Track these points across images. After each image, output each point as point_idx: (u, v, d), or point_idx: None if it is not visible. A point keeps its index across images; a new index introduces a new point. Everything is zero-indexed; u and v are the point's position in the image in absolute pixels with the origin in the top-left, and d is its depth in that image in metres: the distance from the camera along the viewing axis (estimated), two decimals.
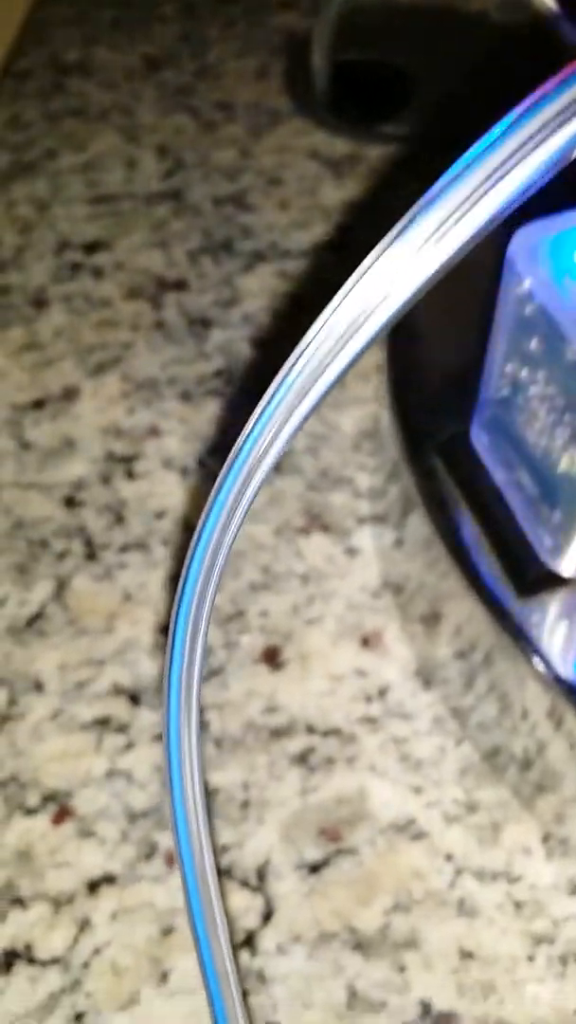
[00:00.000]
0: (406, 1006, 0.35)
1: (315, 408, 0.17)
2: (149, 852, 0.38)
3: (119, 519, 0.47)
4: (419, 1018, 0.35)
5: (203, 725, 0.41)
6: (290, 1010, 0.35)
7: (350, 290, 0.16)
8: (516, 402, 0.34)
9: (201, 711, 0.32)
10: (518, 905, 0.37)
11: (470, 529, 0.37)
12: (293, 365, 0.17)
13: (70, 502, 0.48)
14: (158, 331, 0.55)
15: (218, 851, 0.38)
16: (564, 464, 0.31)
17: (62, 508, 0.47)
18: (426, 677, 0.42)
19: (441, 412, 0.39)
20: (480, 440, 0.36)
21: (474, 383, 0.35)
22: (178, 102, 0.68)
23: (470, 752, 0.41)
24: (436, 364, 0.40)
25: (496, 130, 0.14)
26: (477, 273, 0.39)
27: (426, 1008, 0.35)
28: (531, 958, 0.36)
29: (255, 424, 0.18)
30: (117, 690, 0.42)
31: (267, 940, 0.36)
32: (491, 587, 0.36)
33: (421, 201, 0.15)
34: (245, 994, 0.35)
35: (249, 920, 0.37)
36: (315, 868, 0.38)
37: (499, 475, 0.36)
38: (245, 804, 0.39)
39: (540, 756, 0.38)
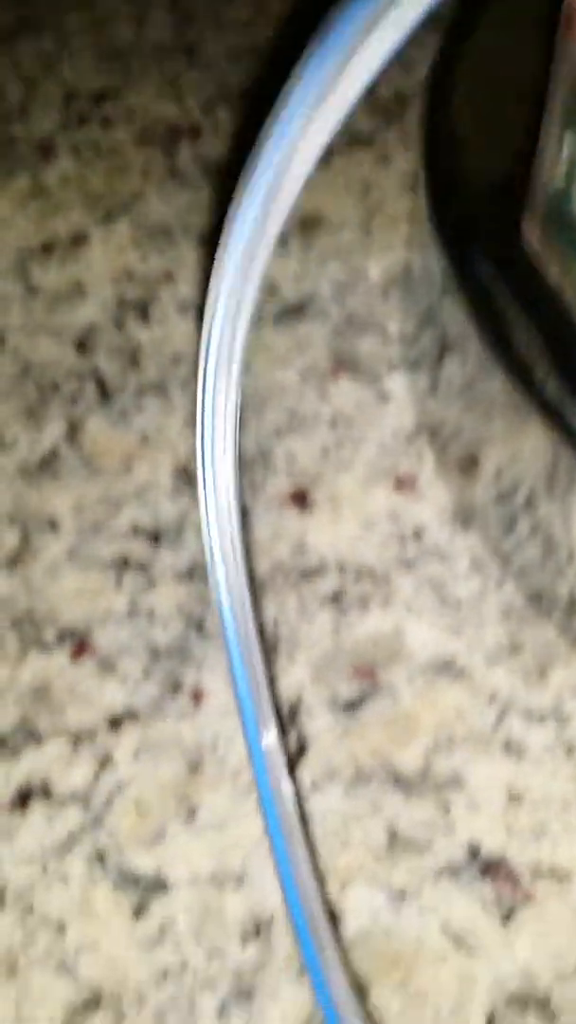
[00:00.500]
0: (452, 848, 0.33)
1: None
2: (174, 689, 0.36)
3: (134, 363, 0.44)
4: (466, 862, 0.33)
5: None
6: (327, 849, 0.33)
7: None
8: (573, 192, 0.31)
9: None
10: (569, 748, 0.35)
11: (525, 342, 0.34)
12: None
13: (81, 346, 0.44)
14: (172, 179, 0.51)
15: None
16: None
17: (73, 352, 0.44)
18: (464, 520, 0.40)
19: (485, 220, 0.36)
20: (532, 238, 0.33)
21: (520, 183, 0.32)
22: None
23: (512, 594, 0.38)
24: (476, 170, 0.37)
25: None
26: (520, 54, 0.36)
27: (474, 851, 0.33)
28: None
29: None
30: (136, 530, 0.39)
31: (302, 776, 0.34)
32: (551, 401, 0.33)
33: None
34: None
35: None
36: (350, 706, 0.36)
37: (554, 274, 0.32)
38: (274, 643, 0.37)
39: None
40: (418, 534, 0.39)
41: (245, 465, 0.41)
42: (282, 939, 0.31)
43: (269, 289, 0.45)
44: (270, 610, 0.37)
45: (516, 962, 0.31)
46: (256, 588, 0.38)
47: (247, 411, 0.42)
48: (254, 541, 0.39)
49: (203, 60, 0.56)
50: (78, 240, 0.49)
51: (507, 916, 0.32)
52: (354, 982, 0.30)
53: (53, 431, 0.42)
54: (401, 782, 0.34)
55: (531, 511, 0.37)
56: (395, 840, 0.33)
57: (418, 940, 0.31)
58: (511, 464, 0.38)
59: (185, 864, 0.32)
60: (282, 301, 0.45)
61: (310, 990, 0.30)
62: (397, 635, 0.37)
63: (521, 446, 0.37)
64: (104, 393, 0.43)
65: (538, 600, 0.38)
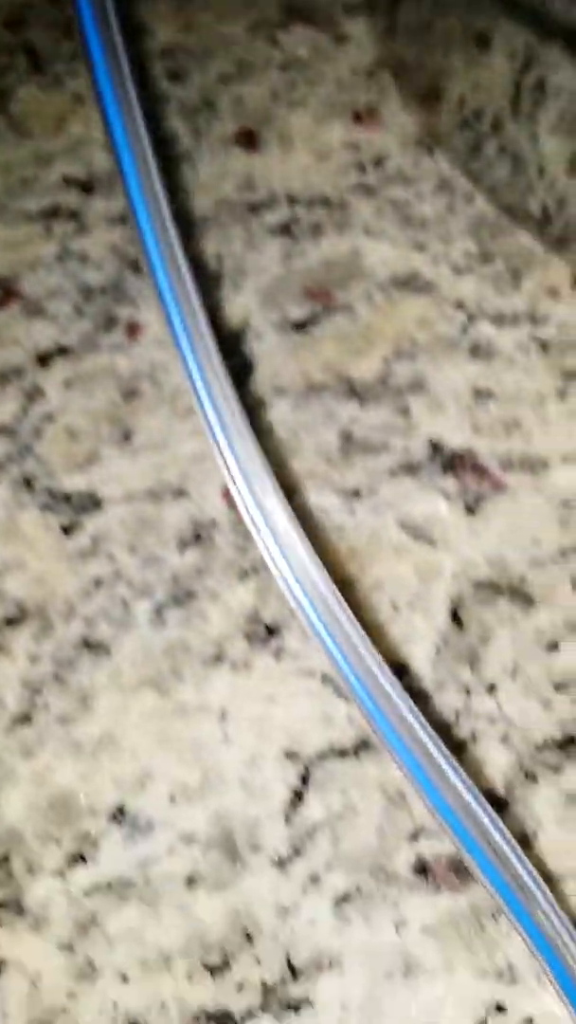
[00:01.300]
0: (411, 447, 0.29)
1: None
2: (108, 324, 0.32)
3: (68, 35, 0.40)
4: (428, 458, 0.29)
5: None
6: (275, 458, 0.30)
7: None
8: None
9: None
10: (545, 345, 0.31)
11: None
12: None
13: (12, 24, 0.41)
14: None
15: None
16: None
17: (4, 31, 0.41)
18: (429, 146, 0.35)
19: None
20: None
21: None
22: None
23: (483, 208, 0.34)
24: None
25: None
26: None
27: (436, 447, 0.29)
28: (563, 394, 0.30)
29: None
30: (68, 182, 0.36)
31: (245, 397, 0.30)
32: None
33: None
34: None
35: None
36: (301, 326, 0.32)
37: None
38: (218, 276, 0.33)
39: (561, 210, 0.31)
40: (379, 161, 0.35)
41: (187, 114, 0.37)
42: (224, 544, 0.28)
43: None
44: (212, 245, 0.34)
45: (484, 551, 0.28)
46: (198, 225, 0.35)
47: (189, 64, 0.38)
48: (197, 182, 0.35)
49: None
50: None
51: (473, 507, 0.28)
52: None
53: None
54: (356, 391, 0.30)
55: (498, 134, 0.33)
56: (349, 444, 0.29)
57: (374, 535, 0.28)
58: (475, 93, 0.34)
59: (120, 483, 0.29)
60: None
61: (253, 591, 0.27)
62: (355, 256, 0.33)
63: (483, 76, 0.32)
64: (36, 64, 0.39)
65: (510, 212, 0.34)
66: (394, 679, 0.23)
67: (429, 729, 0.22)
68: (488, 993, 0.23)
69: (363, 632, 0.23)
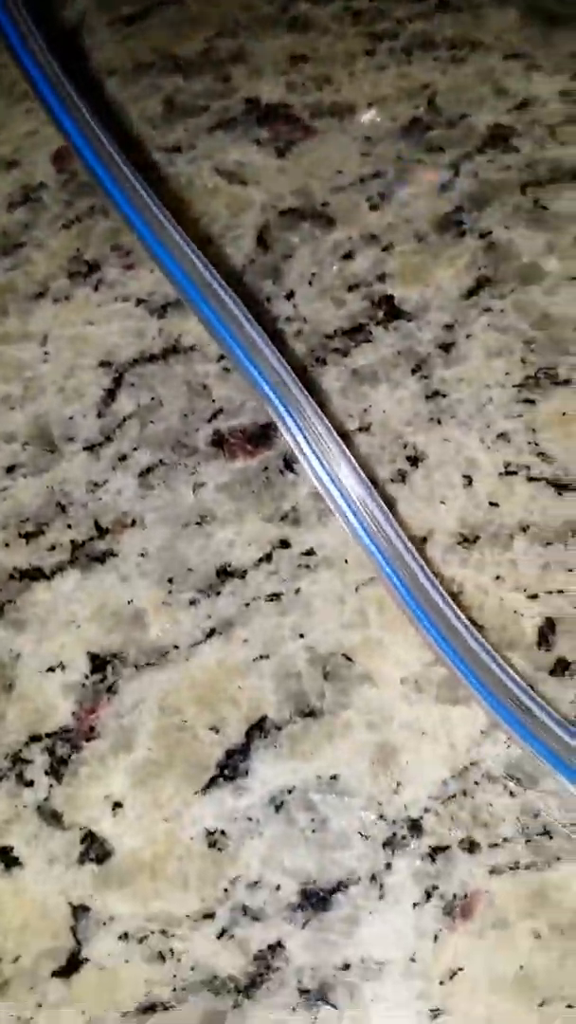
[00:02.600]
0: (230, 107, 0.31)
1: None
2: None
3: None
4: (244, 114, 0.30)
5: None
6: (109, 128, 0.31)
7: None
8: None
9: None
10: (357, 13, 0.32)
11: None
12: None
13: None
14: None
15: None
16: None
17: None
18: None
19: None
20: None
21: None
22: None
23: None
24: None
25: None
26: None
27: (252, 105, 0.31)
28: (371, 52, 0.31)
29: None
30: None
31: (79, 80, 0.32)
32: None
33: None
34: None
35: None
36: (131, 19, 0.33)
37: None
38: None
39: None
40: None
41: None
42: (51, 202, 0.30)
43: None
44: None
45: (291, 186, 0.29)
46: None
47: None
48: None
49: None
50: None
51: (284, 151, 0.30)
52: None
53: None
54: (180, 66, 0.32)
55: None
56: (171, 110, 0.31)
57: (190, 182, 0.30)
58: None
59: None
60: None
61: (76, 236, 0.28)
62: None
63: None
64: None
65: None
66: (224, 285, 0.23)
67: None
68: (274, 533, 0.25)
69: (195, 248, 0.23)
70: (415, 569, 0.21)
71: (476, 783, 0.21)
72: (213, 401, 0.26)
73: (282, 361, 0.22)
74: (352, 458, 0.22)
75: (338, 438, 0.22)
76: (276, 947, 0.21)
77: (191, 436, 0.26)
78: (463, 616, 0.21)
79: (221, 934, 0.21)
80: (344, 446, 0.22)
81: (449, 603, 0.21)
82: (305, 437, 0.22)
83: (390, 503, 0.25)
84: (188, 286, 0.23)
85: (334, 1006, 0.20)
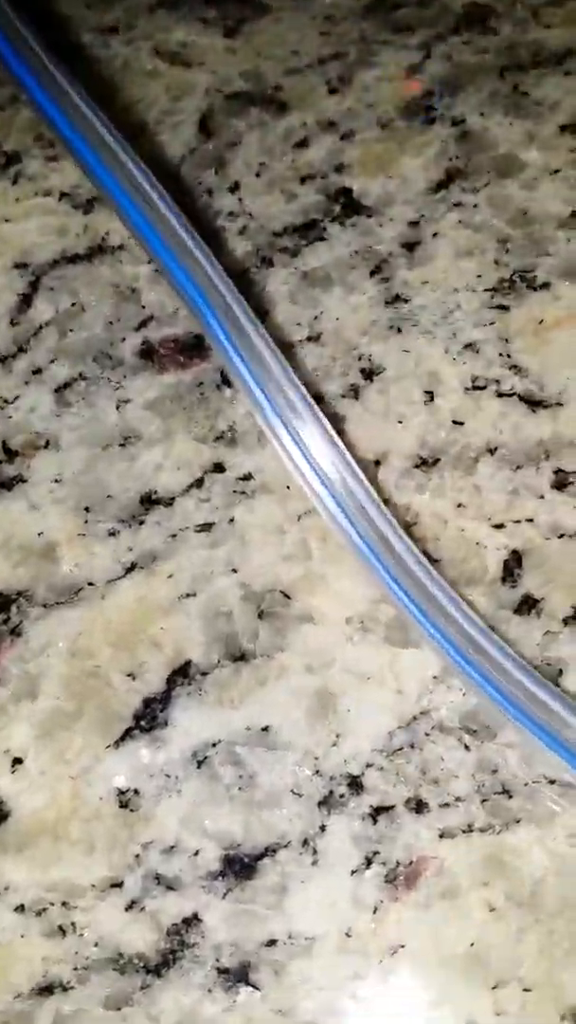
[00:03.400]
0: None
1: None
2: None
3: None
4: None
5: None
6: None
7: None
8: None
9: None
10: None
11: None
12: None
13: None
14: None
15: None
16: None
17: None
18: None
19: None
20: None
21: None
22: None
23: None
24: None
25: None
26: None
27: None
28: None
29: None
30: None
31: None
32: None
33: None
34: None
35: None
36: None
37: None
38: None
39: None
40: None
41: None
42: None
43: None
44: None
45: (241, 67, 0.26)
46: None
47: None
48: None
49: None
50: None
51: (234, 30, 0.26)
52: None
53: None
54: None
55: None
56: None
57: (125, 65, 0.26)
58: None
59: None
60: None
61: None
62: None
63: None
64: None
65: None
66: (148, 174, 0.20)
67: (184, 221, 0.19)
68: (207, 456, 0.22)
69: (118, 135, 0.20)
70: (360, 495, 0.18)
71: (426, 735, 0.19)
72: (143, 307, 0.23)
73: (214, 261, 0.19)
74: (292, 373, 0.19)
75: (275, 349, 0.19)
76: (192, 920, 0.18)
77: (116, 347, 0.23)
78: (415, 548, 0.18)
79: (130, 906, 0.18)
80: (283, 359, 0.18)
81: (399, 533, 0.18)
82: (238, 351, 0.19)
83: (339, 421, 0.21)
84: (104, 176, 0.20)
85: (256, 988, 0.17)
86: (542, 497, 0.20)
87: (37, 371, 0.23)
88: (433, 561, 0.20)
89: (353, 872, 0.18)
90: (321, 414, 0.18)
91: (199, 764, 0.19)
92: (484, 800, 0.18)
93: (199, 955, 0.18)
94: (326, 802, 0.19)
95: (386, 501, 0.20)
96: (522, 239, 0.23)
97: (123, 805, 0.19)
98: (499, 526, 0.20)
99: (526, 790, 0.18)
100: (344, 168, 0.24)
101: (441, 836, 0.18)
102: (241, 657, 0.20)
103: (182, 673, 0.20)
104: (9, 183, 0.25)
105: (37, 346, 0.23)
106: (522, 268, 0.23)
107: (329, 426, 0.18)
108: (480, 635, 0.18)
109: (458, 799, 0.18)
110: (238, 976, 0.18)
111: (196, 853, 0.19)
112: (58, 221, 0.25)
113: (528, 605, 0.19)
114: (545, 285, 0.22)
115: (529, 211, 0.23)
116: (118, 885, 0.19)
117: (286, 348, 0.22)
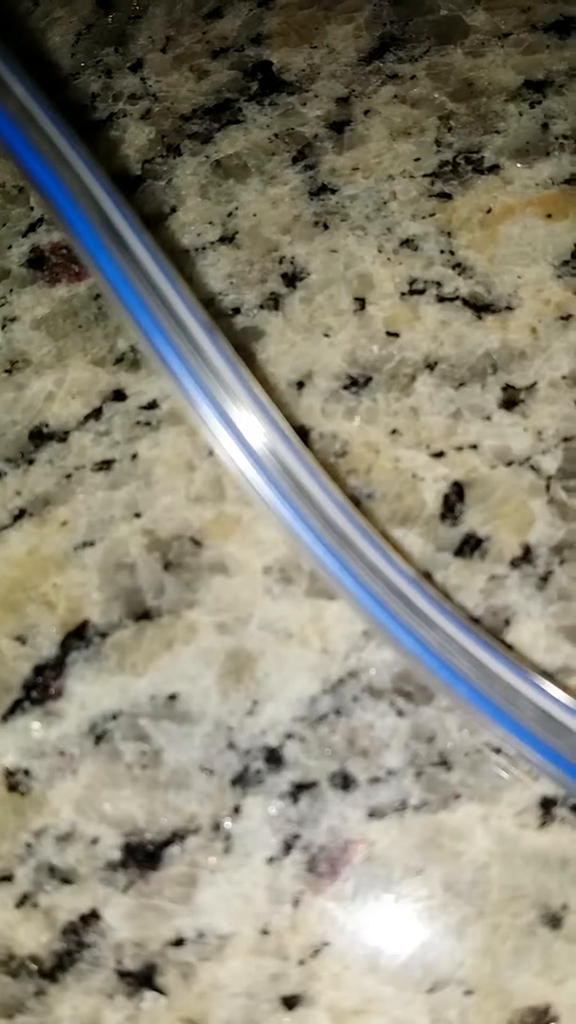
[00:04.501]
0: None
1: None
2: None
3: None
4: None
5: None
6: None
7: None
8: None
9: None
10: None
11: None
12: None
13: None
14: None
15: None
16: None
17: None
18: None
19: None
20: None
21: None
22: None
23: None
24: None
25: None
26: None
27: None
28: None
29: None
30: None
31: None
32: None
33: None
34: None
35: None
36: None
37: None
38: None
39: None
40: None
41: None
42: None
43: None
44: None
45: None
46: None
47: None
48: None
49: None
50: None
51: None
52: None
53: None
54: None
55: None
56: None
57: None
58: None
59: None
60: None
61: None
62: None
63: None
64: None
65: None
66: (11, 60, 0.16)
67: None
68: (106, 382, 0.18)
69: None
70: (267, 423, 0.15)
71: (354, 699, 0.16)
72: (31, 208, 0.20)
73: (89, 161, 0.15)
74: (183, 287, 0.15)
75: (164, 261, 0.15)
76: (90, 917, 0.16)
77: (1, 254, 0.20)
78: (331, 485, 0.15)
79: (21, 902, 0.16)
80: (173, 271, 0.15)
81: (312, 469, 0.15)
82: (116, 265, 0.16)
83: (257, 337, 0.18)
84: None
85: (162, 992, 0.15)
86: (488, 419, 0.17)
87: None
88: (364, 498, 0.17)
89: (271, 860, 0.16)
90: (218, 333, 0.15)
91: (97, 740, 0.17)
92: (419, 773, 0.16)
93: (99, 956, 0.16)
94: (240, 780, 0.16)
95: (307, 429, 0.17)
96: (467, 115, 0.20)
97: (12, 788, 0.17)
98: (439, 454, 0.17)
99: (467, 761, 0.16)
100: (262, 39, 0.21)
101: (370, 816, 0.16)
102: (145, 615, 0.17)
103: (78, 636, 0.17)
104: None
105: None
106: (467, 148, 0.19)
107: (229, 348, 0.15)
108: (408, 584, 0.15)
109: (390, 772, 0.16)
110: (142, 980, 0.16)
111: (94, 841, 0.16)
112: None
113: (471, 546, 0.17)
114: (494, 168, 0.19)
115: (475, 82, 0.20)
116: (7, 878, 0.16)
117: (197, 252, 0.19)
